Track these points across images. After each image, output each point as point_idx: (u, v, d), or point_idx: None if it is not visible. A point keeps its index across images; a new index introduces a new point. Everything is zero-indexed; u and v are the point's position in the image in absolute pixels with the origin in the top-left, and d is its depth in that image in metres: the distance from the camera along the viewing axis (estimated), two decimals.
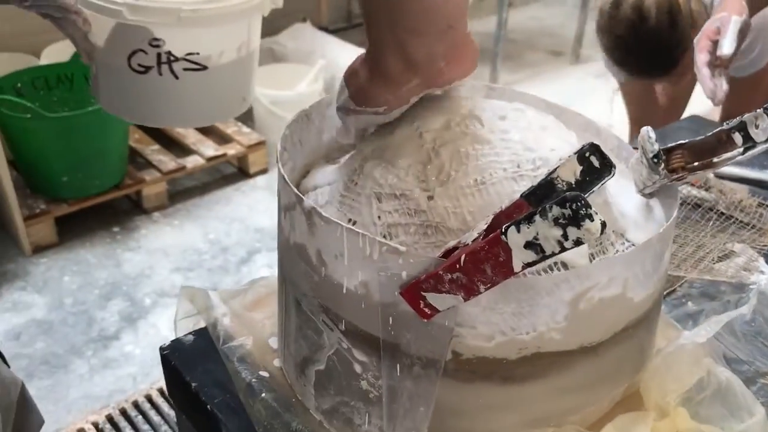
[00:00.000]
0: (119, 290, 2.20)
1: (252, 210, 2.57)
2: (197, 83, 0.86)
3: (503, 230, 0.49)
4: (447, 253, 0.56)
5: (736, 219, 0.99)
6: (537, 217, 0.47)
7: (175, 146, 2.68)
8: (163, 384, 1.89)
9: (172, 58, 0.83)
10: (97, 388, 1.91)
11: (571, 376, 0.61)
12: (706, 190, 1.05)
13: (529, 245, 0.48)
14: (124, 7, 0.81)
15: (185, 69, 0.83)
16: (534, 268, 0.59)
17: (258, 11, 0.87)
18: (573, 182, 0.55)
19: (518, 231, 0.48)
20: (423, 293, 0.55)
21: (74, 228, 2.39)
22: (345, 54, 2.83)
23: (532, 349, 0.58)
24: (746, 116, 0.63)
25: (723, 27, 1.15)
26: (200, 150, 2.62)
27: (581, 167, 0.55)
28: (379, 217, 0.63)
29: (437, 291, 0.54)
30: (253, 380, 0.71)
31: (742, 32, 1.15)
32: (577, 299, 0.57)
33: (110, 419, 1.80)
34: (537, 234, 0.47)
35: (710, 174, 1.06)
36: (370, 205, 0.64)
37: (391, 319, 0.58)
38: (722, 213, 1.00)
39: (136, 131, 2.65)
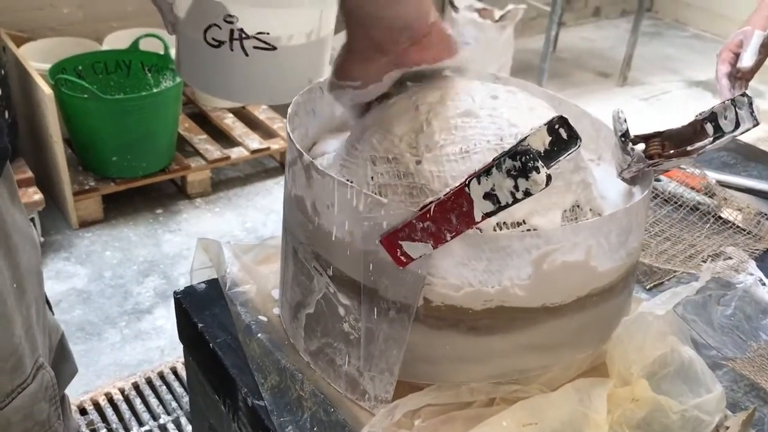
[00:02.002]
0: (157, 268, 2.31)
1: None
2: (266, 62, 0.91)
3: (467, 182, 0.55)
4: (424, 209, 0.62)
5: (733, 224, 1.03)
6: (494, 170, 0.53)
7: (223, 137, 2.78)
8: None
9: (243, 35, 0.89)
10: (127, 357, 2.00)
11: (534, 333, 0.67)
12: (710, 196, 1.09)
13: (487, 196, 0.54)
14: None
15: (255, 47, 0.89)
16: (508, 231, 0.65)
17: (332, 2, 0.92)
18: (542, 151, 0.60)
19: (479, 183, 0.54)
20: (399, 242, 0.62)
21: (120, 206, 2.51)
22: None
23: (497, 302, 0.64)
24: (716, 107, 0.68)
25: (745, 40, 1.19)
26: (245, 142, 2.72)
27: (550, 138, 0.60)
28: (372, 177, 0.70)
29: (411, 239, 0.61)
30: (252, 322, 0.78)
31: (765, 46, 1.19)
32: (541, 260, 0.63)
33: (136, 387, 1.90)
34: (494, 185, 0.53)
35: (713, 180, 1.10)
36: (365, 167, 0.71)
37: (371, 265, 0.64)
38: (720, 217, 1.04)
39: (186, 120, 2.77)
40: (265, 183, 2.77)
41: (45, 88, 2.15)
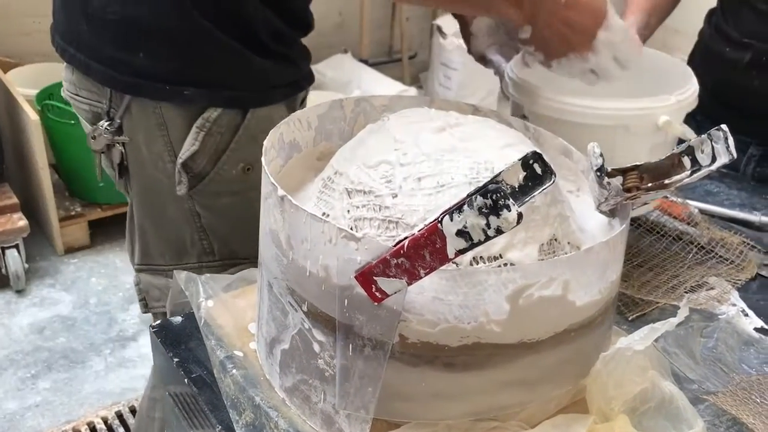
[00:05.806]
0: None
1: None
2: None
3: (440, 219, 0.54)
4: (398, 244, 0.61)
5: (717, 254, 1.02)
6: (465, 207, 0.52)
7: None
8: None
9: None
10: (111, 384, 1.98)
11: (512, 370, 0.66)
12: (693, 225, 1.08)
13: (460, 233, 0.53)
14: None
15: None
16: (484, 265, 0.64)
17: None
18: (516, 186, 0.60)
19: (451, 220, 0.54)
20: (374, 278, 0.61)
21: (106, 232, 2.50)
22: (381, 86, 2.92)
23: (473, 338, 0.63)
24: (693, 141, 0.67)
25: None
26: None
27: (524, 173, 0.60)
28: (348, 210, 0.69)
29: (386, 275, 0.60)
30: (227, 358, 0.77)
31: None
32: (517, 295, 0.62)
33: (119, 415, 1.88)
34: (466, 223, 0.53)
35: (695, 209, 1.09)
36: (342, 200, 0.70)
37: (346, 301, 0.63)
38: (703, 247, 1.04)
39: None
40: None
41: (31, 114, 2.15)
